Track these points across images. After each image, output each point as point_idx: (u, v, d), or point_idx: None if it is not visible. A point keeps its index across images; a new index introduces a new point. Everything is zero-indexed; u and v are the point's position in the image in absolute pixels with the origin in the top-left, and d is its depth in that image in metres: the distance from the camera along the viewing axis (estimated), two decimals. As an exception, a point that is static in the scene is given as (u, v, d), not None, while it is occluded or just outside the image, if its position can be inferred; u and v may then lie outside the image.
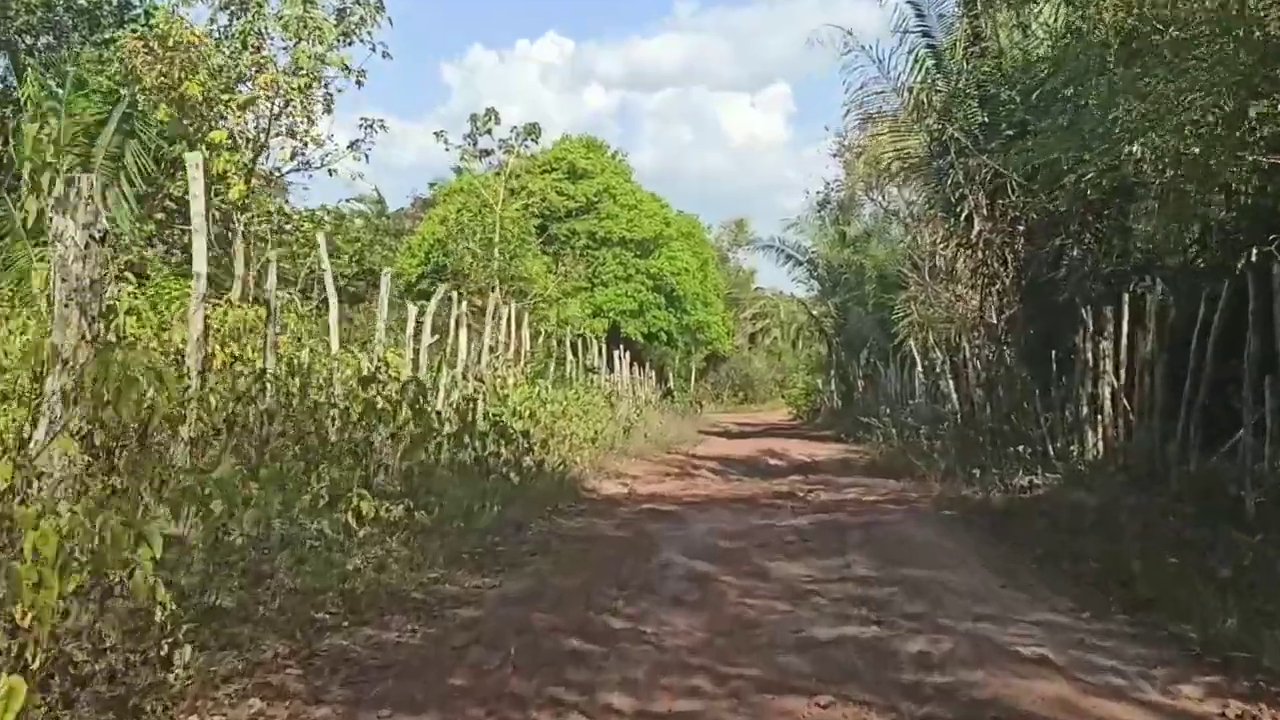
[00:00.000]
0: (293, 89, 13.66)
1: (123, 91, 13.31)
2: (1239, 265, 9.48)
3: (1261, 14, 7.95)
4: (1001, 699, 4.40)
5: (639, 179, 38.91)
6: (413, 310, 11.12)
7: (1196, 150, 9.33)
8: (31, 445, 5.07)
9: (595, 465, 14.35)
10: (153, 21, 13.68)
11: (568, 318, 28.35)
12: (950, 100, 14.29)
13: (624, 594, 6.43)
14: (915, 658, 5.00)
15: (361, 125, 16.19)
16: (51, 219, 5.33)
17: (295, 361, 8.17)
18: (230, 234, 12.77)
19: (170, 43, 12.55)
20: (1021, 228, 13.77)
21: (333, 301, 9.57)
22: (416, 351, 10.95)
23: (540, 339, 21.90)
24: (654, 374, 32.97)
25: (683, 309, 37.83)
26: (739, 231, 61.32)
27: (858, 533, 9.24)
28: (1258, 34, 7.96)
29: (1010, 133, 13.12)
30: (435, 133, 34.02)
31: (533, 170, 32.30)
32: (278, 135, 14.43)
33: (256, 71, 13.54)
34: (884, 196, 32.06)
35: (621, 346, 28.13)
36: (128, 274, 7.59)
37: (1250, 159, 8.92)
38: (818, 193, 36.61)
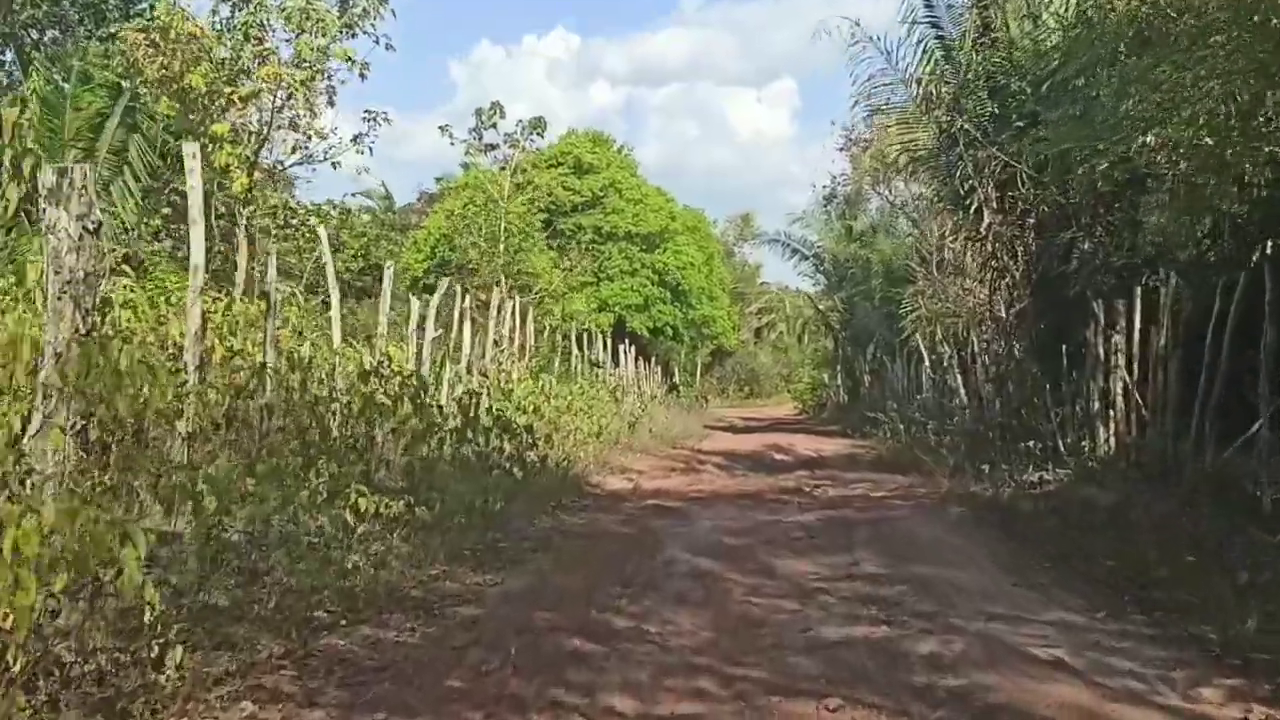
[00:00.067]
0: (295, 82, 13.54)
1: (124, 85, 13.19)
2: (1253, 258, 9.36)
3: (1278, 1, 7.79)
4: (1017, 703, 4.28)
5: (645, 174, 38.79)
6: (416, 304, 11.00)
7: (1210, 141, 9.18)
8: (25, 440, 4.98)
9: (600, 460, 14.24)
10: (155, 13, 13.55)
11: (573, 312, 28.26)
12: (959, 92, 14.11)
13: (627, 592, 6.31)
14: (927, 659, 4.88)
15: (365, 118, 16.07)
16: (44, 210, 5.23)
17: (295, 356, 8.06)
18: (234, 228, 12.67)
19: (172, 35, 12.44)
20: (1032, 220, 13.60)
21: (334, 295, 9.46)
22: (420, 346, 10.84)
23: (545, 334, 21.81)
24: (659, 369, 32.87)
25: (688, 303, 37.70)
26: (745, 226, 61.11)
27: (865, 529, 9.11)
28: (1275, 21, 7.80)
29: (1021, 124, 12.95)
30: (440, 127, 33.87)
31: (538, 165, 32.17)
32: (280, 128, 14.33)
33: (259, 64, 13.42)
34: (891, 190, 31.84)
35: (627, 341, 28.03)
36: (125, 267, 7.47)
37: (1266, 150, 8.77)
38: (824, 187, 36.41)
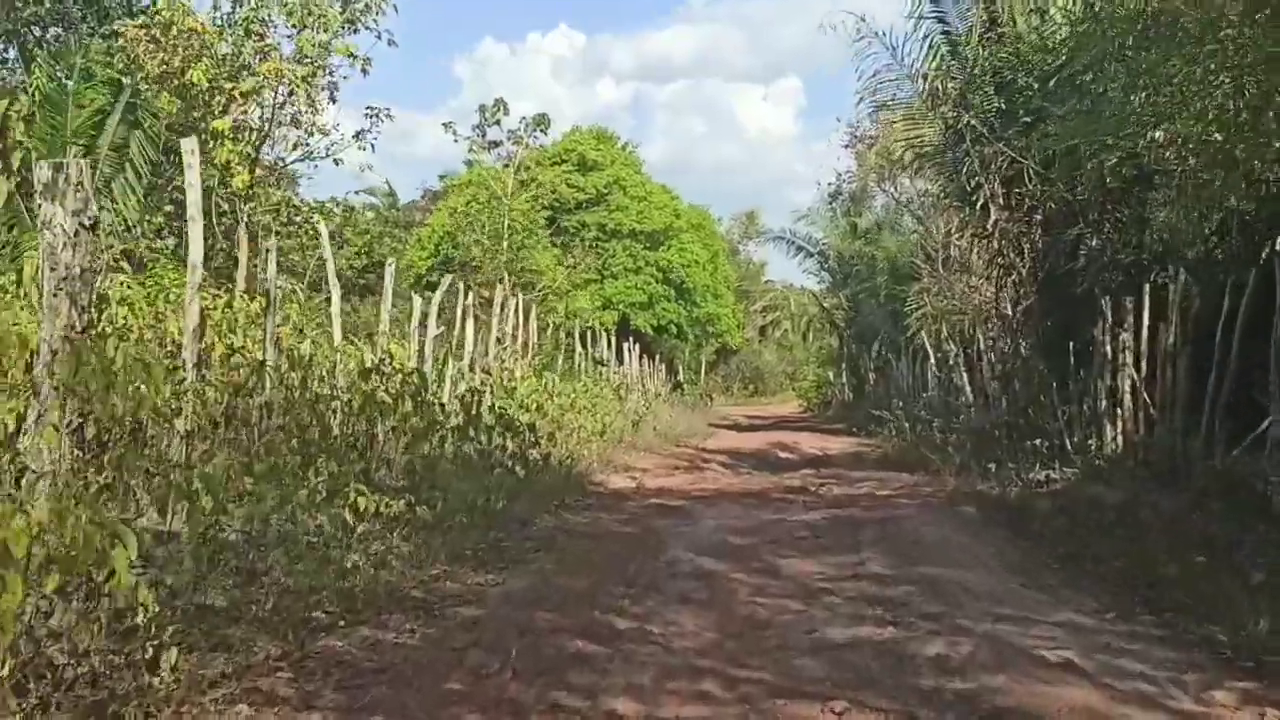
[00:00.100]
0: (297, 78, 13.47)
1: (125, 81, 13.13)
2: (1263, 255, 9.26)
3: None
4: (1026, 707, 4.20)
5: (650, 172, 38.72)
6: (418, 301, 10.94)
7: (1220, 137, 9.09)
8: (20, 439, 4.92)
9: (603, 459, 14.17)
10: (156, 8, 13.48)
11: (576, 310, 28.19)
12: (966, 87, 14.00)
13: (630, 592, 6.24)
14: (934, 661, 4.80)
15: (367, 114, 15.99)
16: (40, 205, 5.17)
17: (296, 353, 7.99)
18: (235, 225, 12.60)
19: (173, 31, 12.37)
20: (1038, 217, 13.49)
21: (335, 292, 9.40)
22: (422, 343, 10.78)
23: (549, 331, 21.74)
24: (663, 366, 32.80)
25: (693, 301, 37.61)
26: (749, 224, 61.04)
27: (871, 528, 9.03)
28: (1286, 15, 7.71)
29: (1028, 120, 12.85)
30: (444, 124, 33.84)
31: (542, 162, 32.11)
32: (281, 125, 14.26)
33: (260, 60, 13.34)
34: (896, 187, 31.75)
35: (631, 339, 27.96)
36: (123, 264, 7.41)
37: (1276, 146, 8.67)
38: (829, 184, 36.35)
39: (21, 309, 6.85)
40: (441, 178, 37.92)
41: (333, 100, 14.56)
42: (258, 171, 14.21)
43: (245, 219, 12.32)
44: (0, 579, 2.83)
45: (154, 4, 16.50)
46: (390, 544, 6.36)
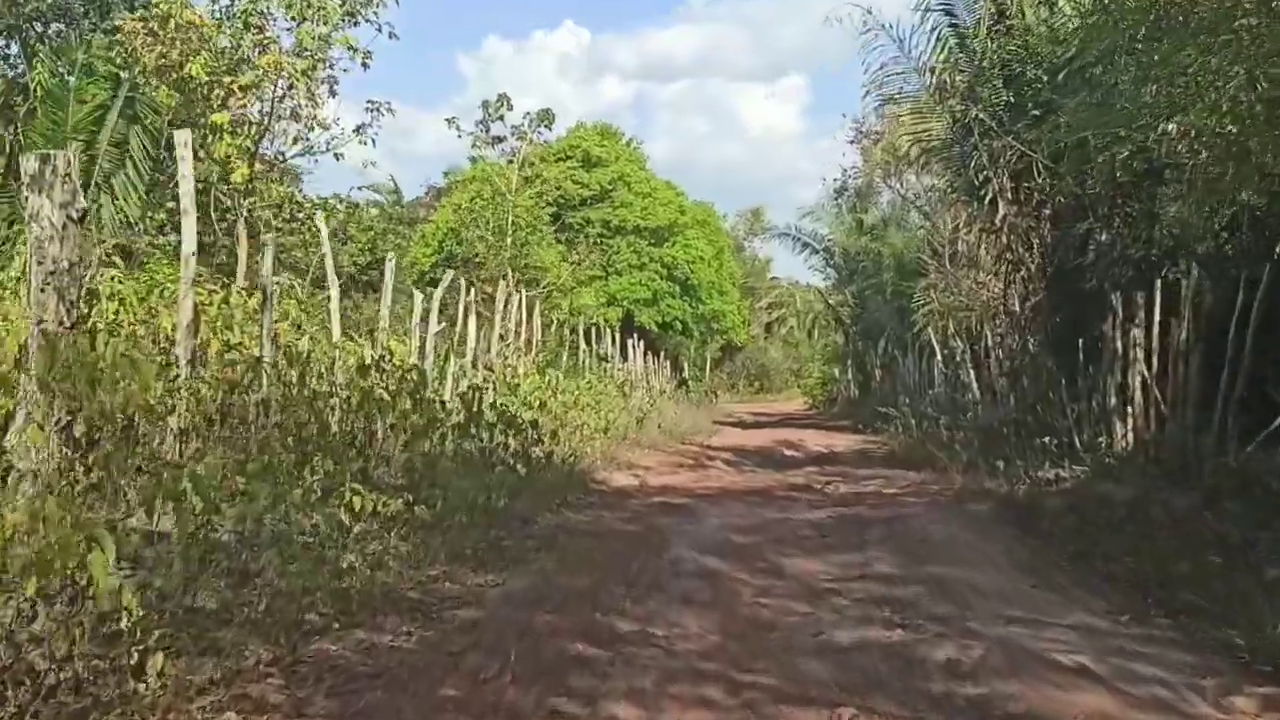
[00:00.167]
0: (296, 71, 13.34)
1: (123, 75, 13.03)
2: (1276, 250, 9.11)
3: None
4: (1039, 712, 4.08)
5: (654, 170, 38.46)
6: (419, 297, 10.82)
7: (1234, 130, 8.94)
8: (7, 437, 4.81)
9: (607, 456, 14.04)
10: (155, 0, 13.34)
11: (581, 306, 28.06)
12: (974, 80, 13.83)
13: (632, 593, 6.11)
14: (944, 665, 4.67)
15: (368, 109, 15.86)
16: (27, 198, 5.06)
17: (293, 350, 7.87)
18: (235, 220, 12.50)
19: (171, 24, 12.25)
20: (1047, 211, 13.34)
21: (334, 288, 9.28)
22: (423, 340, 10.67)
23: (552, 328, 21.63)
24: (668, 364, 32.66)
25: (697, 298, 37.44)
26: (755, 220, 60.80)
27: (878, 527, 8.91)
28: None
29: (1037, 113, 12.69)
30: (447, 119, 33.81)
31: (547, 158, 31.97)
32: (281, 119, 14.14)
33: (259, 53, 13.21)
34: (902, 183, 31.55)
35: (635, 336, 27.83)
36: (115, 258, 7.30)
37: (1291, 139, 8.51)
38: (835, 180, 36.08)
39: (11, 304, 6.76)
40: (446, 174, 37.85)
41: (332, 94, 14.43)
42: (258, 166, 14.07)
43: (245, 214, 12.18)
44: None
45: (153, -2, 16.42)
46: (388, 544, 6.23)
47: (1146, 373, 10.47)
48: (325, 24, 13.58)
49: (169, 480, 4.03)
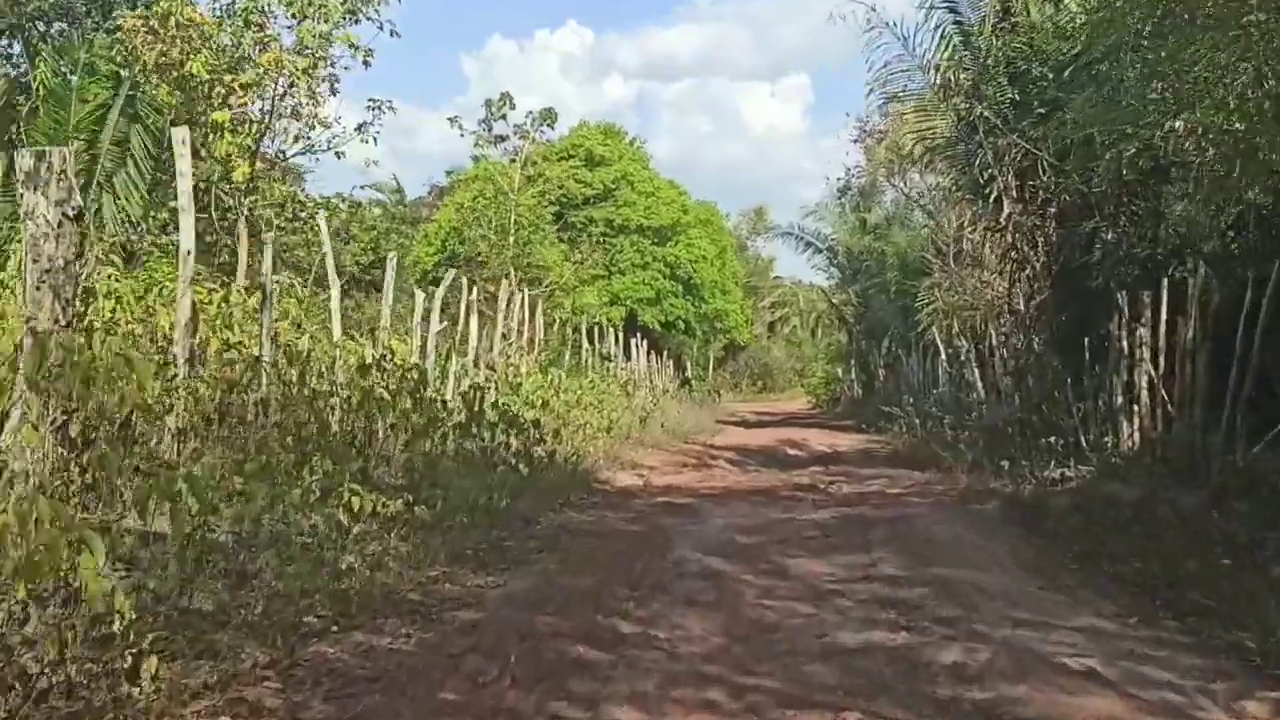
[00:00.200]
0: (297, 69, 13.28)
1: (123, 74, 12.98)
2: (1285, 249, 9.04)
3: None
4: (1048, 718, 4.01)
5: (657, 169, 38.41)
6: (420, 297, 10.77)
7: (1240, 127, 8.86)
8: (4, 437, 4.76)
9: (610, 456, 13.98)
10: (154, -1, 13.30)
11: (583, 306, 28.00)
12: (979, 78, 13.74)
13: (635, 594, 6.05)
14: (950, 669, 4.60)
15: (369, 107, 15.80)
16: (21, 195, 5.00)
17: (292, 349, 7.81)
18: (237, 219, 12.44)
19: (172, 22, 12.19)
20: (1053, 210, 13.24)
21: (334, 287, 9.23)
22: (424, 339, 10.61)
23: (555, 327, 21.57)
24: (671, 363, 32.60)
25: (700, 297, 37.39)
26: (758, 220, 60.69)
27: (883, 528, 8.83)
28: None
29: (1042, 110, 12.59)
30: (449, 118, 33.81)
31: (549, 157, 31.92)
32: (282, 117, 14.07)
33: (260, 51, 13.15)
34: (906, 182, 31.44)
35: (638, 335, 27.78)
36: (112, 257, 7.24)
37: (1297, 137, 8.44)
38: (838, 179, 35.98)
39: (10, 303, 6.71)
40: (449, 173, 37.81)
41: (333, 92, 14.37)
42: (259, 165, 14.02)
43: (246, 213, 12.12)
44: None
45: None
46: (388, 544, 6.18)
47: (1153, 372, 10.40)
48: (326, 22, 13.51)
49: (163, 481, 3.96)
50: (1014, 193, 13.54)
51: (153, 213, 13.60)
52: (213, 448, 6.11)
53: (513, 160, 27.52)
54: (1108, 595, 6.14)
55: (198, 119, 12.85)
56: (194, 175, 12.00)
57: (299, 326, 9.34)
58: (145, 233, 13.27)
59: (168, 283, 7.39)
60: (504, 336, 14.41)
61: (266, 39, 13.31)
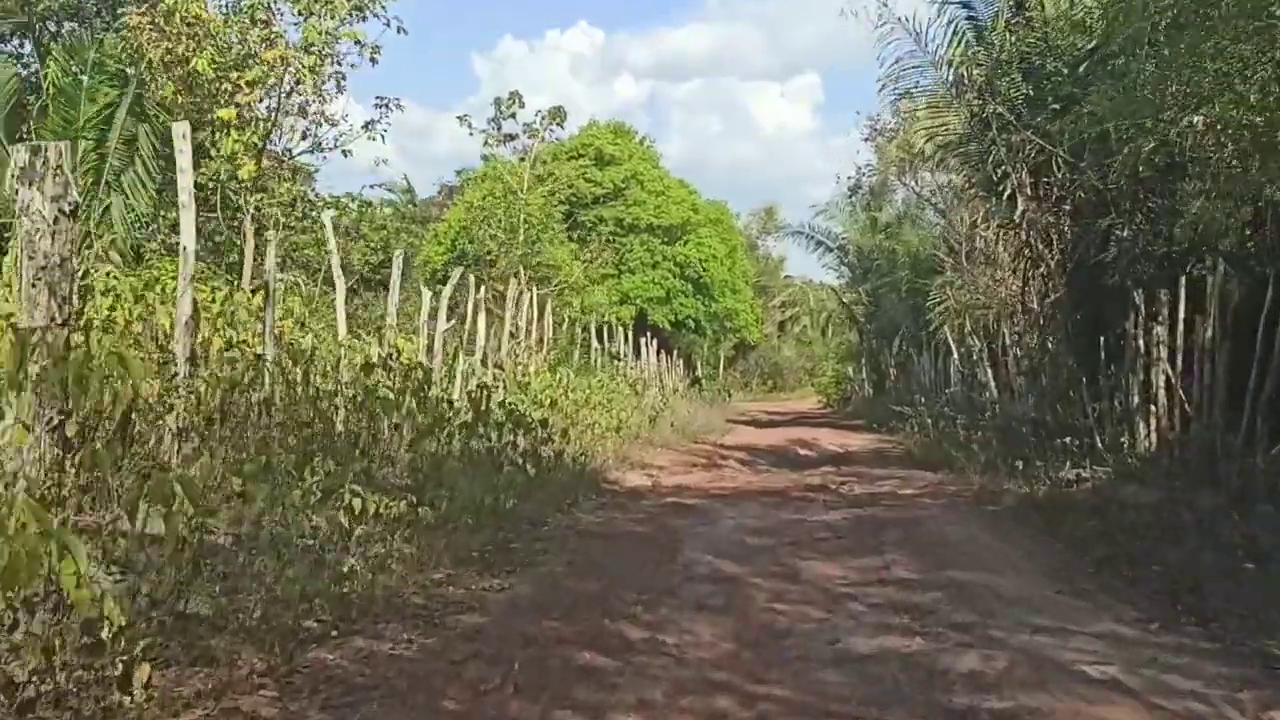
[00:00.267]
0: (304, 67, 13.19)
1: (129, 72, 12.92)
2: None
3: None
4: (1069, 729, 3.87)
5: (667, 169, 38.31)
6: (427, 295, 10.68)
7: (1259, 121, 8.69)
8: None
9: (619, 455, 13.86)
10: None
11: (593, 305, 27.91)
12: (992, 74, 13.56)
13: (643, 598, 5.91)
14: (967, 677, 4.45)
15: (377, 105, 15.72)
16: (16, 191, 4.91)
17: (296, 347, 7.71)
18: (242, 216, 12.36)
19: (177, 18, 12.13)
20: (1067, 207, 13.04)
21: (340, 286, 9.13)
22: (431, 337, 10.51)
23: (564, 326, 21.47)
24: (681, 362, 32.48)
25: (711, 296, 37.26)
26: (768, 219, 60.58)
27: (896, 529, 8.69)
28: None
29: (1056, 106, 12.40)
30: (459, 117, 33.75)
31: (559, 156, 31.83)
32: (288, 115, 14.00)
33: (266, 48, 13.07)
34: (917, 180, 31.25)
35: (648, 334, 27.66)
36: (111, 254, 7.15)
37: (1320, 132, 8.27)
38: (849, 178, 35.81)
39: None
40: (459, 173, 37.77)
41: (340, 90, 14.29)
42: (265, 163, 13.94)
43: (252, 211, 12.04)
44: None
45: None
46: (391, 546, 6.05)
47: (1171, 371, 10.23)
48: (332, 18, 13.43)
49: (155, 482, 3.85)
50: (1028, 190, 13.36)
51: (162, 212, 13.54)
52: (214, 448, 6.00)
53: (522, 159, 27.43)
54: (1128, 600, 5.99)
55: (204, 117, 12.79)
56: (203, 174, 11.95)
57: (302, 325, 9.25)
58: (155, 232, 13.22)
59: (170, 281, 7.30)
60: (512, 335, 14.31)
61: (272, 35, 13.23)
